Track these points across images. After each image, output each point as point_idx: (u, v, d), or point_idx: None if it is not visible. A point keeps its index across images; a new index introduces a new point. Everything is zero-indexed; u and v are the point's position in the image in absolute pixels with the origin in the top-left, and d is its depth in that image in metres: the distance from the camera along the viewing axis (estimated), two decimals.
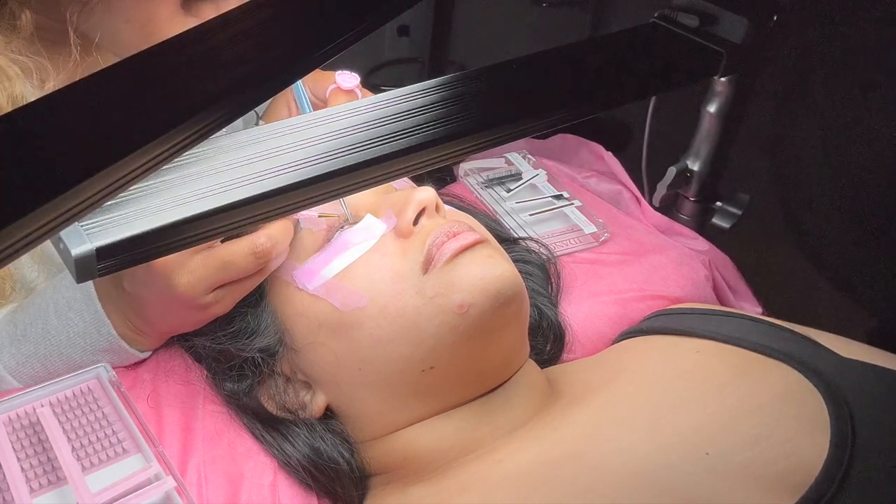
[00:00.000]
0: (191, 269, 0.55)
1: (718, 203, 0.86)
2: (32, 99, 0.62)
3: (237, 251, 0.55)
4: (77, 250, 0.35)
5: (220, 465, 0.60)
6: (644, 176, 0.92)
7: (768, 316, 0.67)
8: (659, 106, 0.87)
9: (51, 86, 0.64)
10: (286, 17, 0.46)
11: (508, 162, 0.95)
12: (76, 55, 0.62)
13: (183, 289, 0.55)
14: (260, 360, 0.61)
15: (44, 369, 0.63)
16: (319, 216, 0.61)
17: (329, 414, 0.63)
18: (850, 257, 0.88)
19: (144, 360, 0.67)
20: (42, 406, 0.59)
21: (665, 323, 0.70)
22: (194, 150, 0.40)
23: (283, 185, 0.39)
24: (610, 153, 0.94)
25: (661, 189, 0.85)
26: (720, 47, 0.61)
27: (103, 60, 0.65)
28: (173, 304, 0.58)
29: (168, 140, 0.36)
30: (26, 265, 0.69)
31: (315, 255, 0.60)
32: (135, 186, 0.37)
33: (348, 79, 0.70)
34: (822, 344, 0.61)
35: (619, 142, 0.97)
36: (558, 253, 0.80)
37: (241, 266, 0.56)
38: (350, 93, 0.70)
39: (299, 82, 0.64)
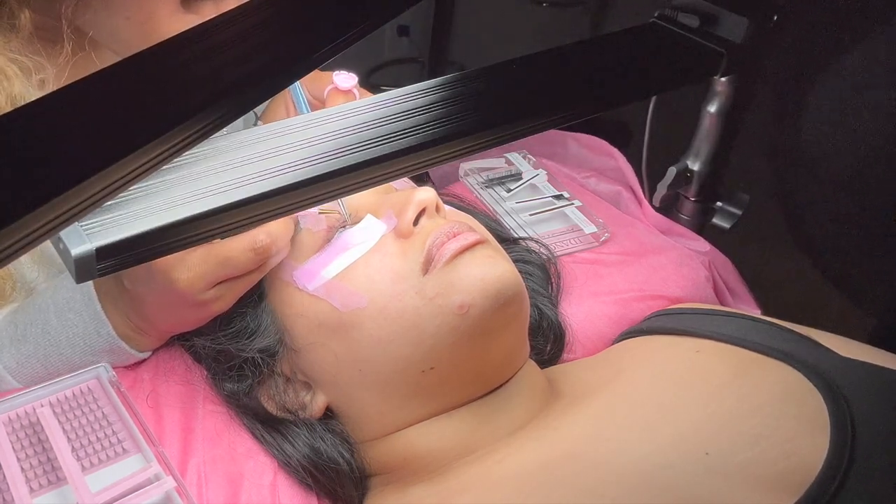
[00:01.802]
0: (190, 265, 0.55)
1: (718, 203, 0.86)
2: (32, 99, 0.62)
3: (236, 247, 0.55)
4: (77, 250, 0.35)
5: (220, 465, 0.60)
6: (644, 176, 0.92)
7: (768, 316, 0.67)
8: (659, 106, 0.87)
9: (49, 81, 0.64)
10: (286, 17, 0.46)
11: (508, 162, 0.95)
12: (68, 50, 0.61)
13: (182, 285, 0.55)
14: (260, 360, 0.61)
15: (44, 370, 0.63)
16: (320, 212, 0.61)
17: (329, 414, 0.63)
18: (851, 257, 0.88)
19: (144, 360, 0.67)
20: (42, 406, 0.59)
21: (665, 323, 0.70)
22: (194, 150, 0.40)
23: (283, 185, 0.39)
24: (617, 150, 0.94)
25: (662, 189, 0.85)
26: (720, 47, 0.61)
27: (101, 57, 0.65)
28: (173, 302, 0.58)
29: (168, 140, 0.36)
30: (26, 265, 0.69)
31: (315, 256, 0.60)
32: (135, 186, 0.37)
33: (346, 79, 0.70)
34: (823, 344, 0.61)
35: (619, 142, 0.97)
36: (558, 253, 0.80)
37: (241, 262, 0.56)
38: (348, 93, 0.70)
39: (297, 83, 0.64)
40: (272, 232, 0.56)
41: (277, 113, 0.75)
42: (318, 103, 0.72)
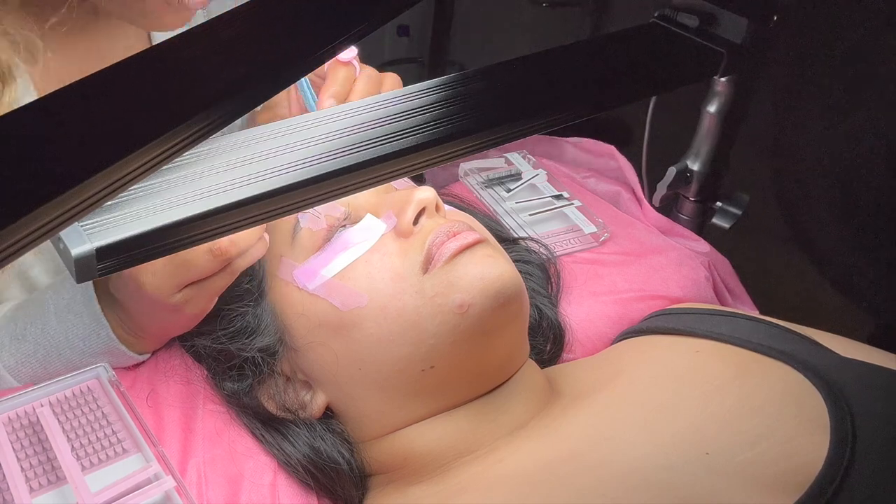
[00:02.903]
0: (155, 269, 0.55)
1: (718, 203, 0.86)
2: (19, 71, 0.62)
3: (196, 250, 0.55)
4: (77, 250, 0.35)
5: (220, 465, 0.60)
6: (644, 176, 0.92)
7: (768, 316, 0.67)
8: (659, 106, 0.87)
9: (39, 54, 0.63)
10: (287, 17, 0.46)
11: (508, 162, 0.95)
12: (72, 11, 0.61)
13: (149, 289, 0.56)
14: (260, 359, 0.61)
15: (42, 369, 0.63)
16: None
17: (329, 414, 0.63)
18: (850, 257, 0.88)
19: (144, 361, 0.67)
20: (42, 406, 0.59)
21: (665, 323, 0.70)
22: (194, 150, 0.40)
23: (283, 185, 0.39)
24: (617, 152, 0.94)
25: (661, 189, 0.85)
26: (720, 47, 0.61)
27: (100, 25, 0.65)
28: (148, 305, 0.58)
29: (168, 140, 0.36)
30: (27, 260, 0.69)
31: (315, 255, 0.60)
32: (135, 186, 0.37)
33: (346, 51, 0.70)
34: (822, 344, 0.61)
35: (619, 142, 0.97)
36: (558, 253, 0.80)
37: (200, 264, 0.56)
38: (348, 64, 0.70)
39: (304, 78, 0.64)
40: (233, 236, 0.56)
41: (280, 103, 0.75)
42: (318, 80, 0.72)
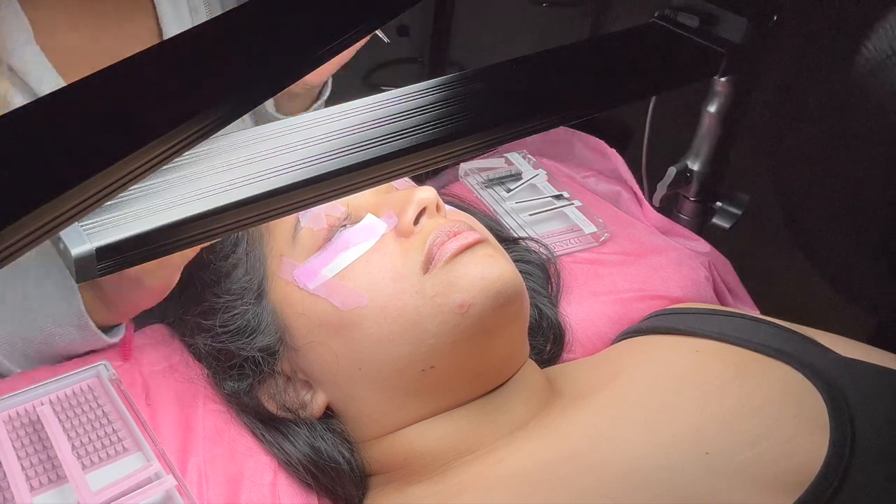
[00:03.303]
0: None
1: (718, 203, 0.86)
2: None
3: None
4: (77, 250, 0.35)
5: (221, 464, 0.60)
6: (644, 176, 0.92)
7: (768, 316, 0.67)
8: (659, 106, 0.87)
9: None
10: (287, 17, 0.46)
11: (508, 162, 0.95)
12: None
13: None
14: (260, 359, 0.61)
15: (17, 335, 0.64)
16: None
17: (329, 413, 0.63)
18: (850, 257, 0.88)
19: (144, 359, 0.67)
20: (42, 404, 0.59)
21: (665, 323, 0.70)
22: (194, 150, 0.40)
23: (283, 185, 0.39)
24: (614, 150, 0.94)
25: (661, 189, 0.85)
26: (720, 47, 0.62)
27: None
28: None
29: (168, 140, 0.36)
30: None
31: (315, 255, 0.60)
32: (135, 186, 0.37)
33: None
34: (823, 344, 0.61)
35: (619, 142, 0.97)
36: (558, 253, 0.80)
37: None
38: None
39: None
40: None
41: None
42: None
